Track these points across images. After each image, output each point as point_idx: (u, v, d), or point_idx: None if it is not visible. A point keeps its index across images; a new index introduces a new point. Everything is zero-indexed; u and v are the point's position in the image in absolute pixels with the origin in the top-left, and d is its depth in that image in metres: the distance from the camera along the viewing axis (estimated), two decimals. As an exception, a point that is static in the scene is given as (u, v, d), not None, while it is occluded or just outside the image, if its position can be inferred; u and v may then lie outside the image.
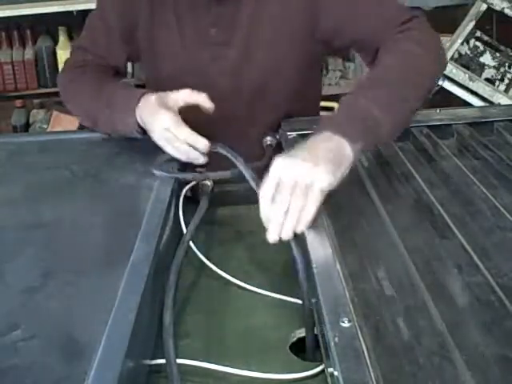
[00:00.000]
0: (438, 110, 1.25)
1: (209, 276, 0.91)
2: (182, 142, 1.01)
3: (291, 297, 0.84)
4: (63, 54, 2.99)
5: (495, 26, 2.78)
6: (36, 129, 2.91)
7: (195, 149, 1.01)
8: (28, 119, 3.03)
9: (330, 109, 2.89)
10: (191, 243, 0.92)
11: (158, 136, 1.03)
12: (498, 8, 2.63)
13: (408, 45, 1.08)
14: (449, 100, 2.65)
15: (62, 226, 0.89)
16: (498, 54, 2.70)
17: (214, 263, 0.91)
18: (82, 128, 2.71)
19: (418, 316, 0.67)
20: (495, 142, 1.14)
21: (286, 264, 0.90)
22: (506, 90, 2.66)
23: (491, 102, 2.57)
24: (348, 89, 3.12)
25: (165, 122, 1.01)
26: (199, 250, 0.93)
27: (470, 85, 2.63)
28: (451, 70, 2.66)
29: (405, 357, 0.62)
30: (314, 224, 0.82)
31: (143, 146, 1.07)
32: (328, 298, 0.69)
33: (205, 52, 1.19)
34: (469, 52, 2.71)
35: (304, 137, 1.14)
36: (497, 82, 2.69)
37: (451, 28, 2.80)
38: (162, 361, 0.71)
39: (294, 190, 0.81)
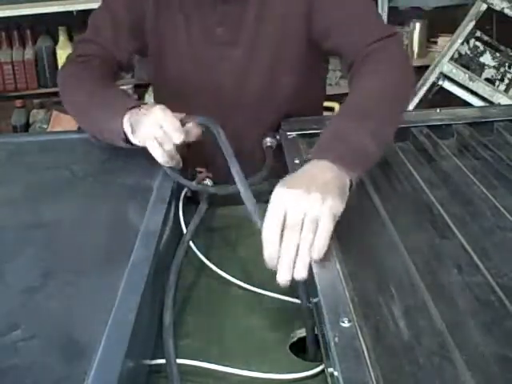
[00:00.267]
0: (438, 110, 1.25)
1: (209, 276, 0.91)
2: (171, 146, 0.97)
3: (291, 297, 0.84)
4: (63, 53, 2.98)
5: (495, 26, 2.78)
6: (36, 129, 2.91)
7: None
8: (28, 119, 3.03)
9: (331, 109, 2.89)
10: (191, 243, 0.92)
11: (147, 132, 0.98)
12: (497, 8, 2.63)
13: (383, 66, 1.08)
14: (449, 100, 2.66)
15: (62, 226, 0.89)
16: (497, 54, 2.70)
17: (214, 263, 0.91)
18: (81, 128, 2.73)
19: (418, 316, 0.67)
20: (495, 142, 1.14)
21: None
22: (506, 90, 2.66)
23: (491, 102, 2.57)
24: (348, 89, 3.14)
25: (159, 118, 0.98)
26: (199, 250, 0.93)
27: (470, 85, 2.63)
28: (451, 69, 2.67)
29: (405, 357, 0.62)
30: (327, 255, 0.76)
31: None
32: (328, 298, 0.69)
33: (211, 51, 1.19)
34: (469, 52, 2.71)
35: (304, 137, 1.15)
36: (497, 82, 2.69)
37: (451, 28, 2.80)
38: (162, 361, 0.71)
39: (302, 225, 0.76)
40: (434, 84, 2.69)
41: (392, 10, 2.99)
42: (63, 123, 2.79)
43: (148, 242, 0.81)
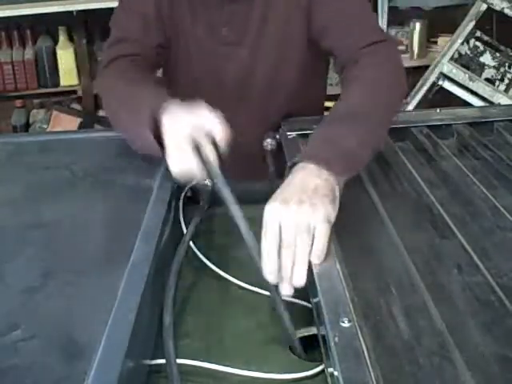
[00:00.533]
0: (438, 110, 1.25)
1: (209, 276, 0.91)
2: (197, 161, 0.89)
3: (291, 297, 0.84)
4: (63, 54, 2.99)
5: (495, 26, 2.79)
6: (36, 129, 2.91)
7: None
8: (28, 119, 3.03)
9: (331, 109, 2.89)
10: (191, 243, 0.92)
11: (177, 135, 0.90)
12: (497, 8, 2.63)
13: (375, 71, 1.07)
14: (449, 100, 2.66)
15: (62, 226, 0.89)
16: (497, 54, 2.70)
17: (214, 263, 0.91)
18: (81, 128, 2.73)
19: (418, 316, 0.67)
20: (495, 142, 1.14)
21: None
22: (506, 90, 2.66)
23: (491, 102, 2.57)
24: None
25: (197, 124, 0.90)
26: (199, 251, 0.93)
27: (470, 85, 2.64)
28: (451, 69, 2.67)
29: (405, 357, 0.62)
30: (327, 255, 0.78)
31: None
32: (328, 297, 0.69)
33: (217, 51, 1.20)
34: (469, 52, 2.71)
35: (304, 137, 1.15)
36: (497, 82, 2.70)
37: (451, 28, 2.80)
38: (162, 361, 0.71)
39: (297, 236, 0.77)
40: (434, 84, 2.70)
41: (392, 10, 2.99)
42: (63, 123, 2.80)
43: (148, 242, 0.81)
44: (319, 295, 0.70)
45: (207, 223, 1.01)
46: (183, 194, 1.02)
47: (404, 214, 0.91)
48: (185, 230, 0.94)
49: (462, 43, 2.69)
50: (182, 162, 0.89)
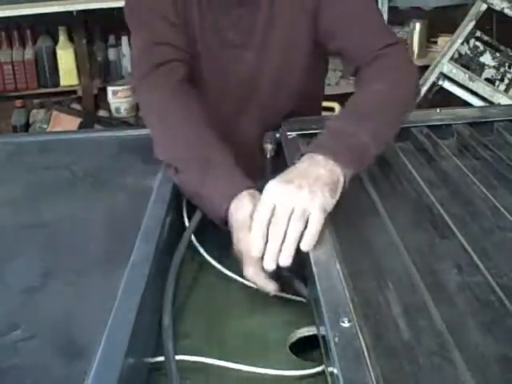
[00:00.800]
0: (438, 110, 1.25)
1: (210, 275, 0.91)
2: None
3: (292, 294, 0.84)
4: (63, 53, 2.99)
5: (495, 26, 2.79)
6: (36, 129, 2.91)
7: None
8: (28, 119, 3.03)
9: (331, 109, 2.89)
10: (193, 238, 0.92)
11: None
12: (498, 8, 2.63)
13: (389, 72, 1.09)
14: (449, 100, 2.66)
15: (62, 226, 0.89)
16: (497, 54, 2.70)
17: (212, 266, 0.91)
18: (81, 128, 2.73)
19: (417, 316, 0.67)
20: (495, 142, 1.14)
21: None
22: (506, 90, 2.66)
23: (491, 102, 2.57)
24: (348, 89, 3.14)
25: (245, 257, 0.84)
26: (198, 254, 0.92)
27: (470, 85, 2.63)
28: (451, 69, 2.67)
29: (405, 357, 0.62)
30: (321, 244, 0.79)
31: (143, 146, 1.07)
32: (328, 297, 0.69)
33: (223, 54, 1.20)
34: (469, 52, 2.71)
35: (304, 137, 1.15)
36: (497, 82, 2.70)
37: (451, 28, 2.80)
38: (163, 358, 0.71)
39: (290, 217, 0.79)
40: (434, 84, 2.69)
41: (392, 10, 3.00)
42: (63, 123, 2.80)
43: (148, 242, 0.81)
44: (319, 295, 0.70)
45: (207, 223, 1.00)
46: None
47: (404, 213, 0.91)
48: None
49: (462, 43, 2.69)
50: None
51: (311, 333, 0.78)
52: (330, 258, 0.76)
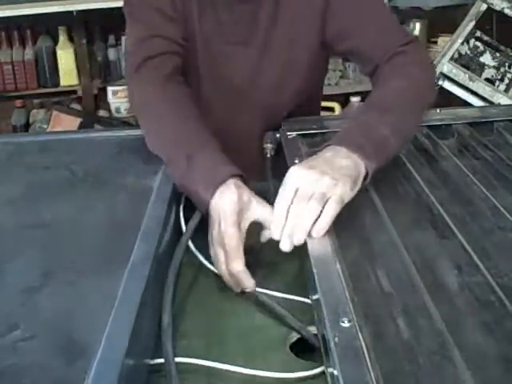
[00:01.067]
0: (438, 110, 1.25)
1: (208, 276, 0.91)
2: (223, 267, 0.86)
3: (293, 295, 0.84)
4: (63, 53, 2.99)
5: (495, 26, 2.78)
6: (36, 129, 2.91)
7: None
8: (28, 119, 3.03)
9: (330, 109, 2.89)
10: (190, 243, 0.92)
11: (210, 239, 0.88)
12: (498, 8, 2.63)
13: (409, 68, 1.10)
14: (449, 100, 2.65)
15: (62, 226, 0.89)
16: (498, 54, 2.70)
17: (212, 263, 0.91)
18: (81, 128, 2.73)
19: (417, 316, 0.67)
20: (495, 141, 1.14)
21: (286, 264, 0.90)
22: (506, 90, 2.66)
23: (491, 102, 2.57)
24: (348, 89, 3.15)
25: (223, 232, 0.86)
26: (199, 251, 0.92)
27: (470, 85, 2.63)
28: (451, 69, 2.67)
29: (405, 357, 0.62)
30: (321, 244, 0.80)
31: (143, 146, 1.07)
32: (328, 297, 0.69)
33: (224, 50, 1.19)
34: (469, 52, 2.71)
35: (304, 137, 1.15)
36: (497, 82, 2.69)
37: (451, 28, 2.80)
38: (162, 360, 0.71)
39: (310, 199, 0.81)
40: (434, 84, 2.69)
41: (392, 10, 2.99)
42: (63, 123, 2.80)
43: (148, 242, 0.81)
44: (319, 295, 0.70)
45: (207, 223, 1.00)
46: (184, 195, 1.02)
47: (404, 214, 0.91)
48: (184, 231, 0.94)
49: (462, 43, 2.69)
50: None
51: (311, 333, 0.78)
52: (330, 258, 0.76)
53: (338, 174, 0.84)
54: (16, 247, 0.84)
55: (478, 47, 2.70)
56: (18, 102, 3.01)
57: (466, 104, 2.60)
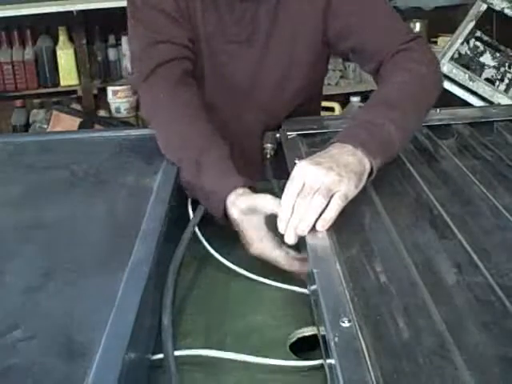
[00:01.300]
0: (437, 110, 1.25)
1: (209, 275, 0.91)
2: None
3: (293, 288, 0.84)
4: (63, 53, 2.99)
5: (495, 26, 2.78)
6: (36, 129, 2.91)
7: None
8: (28, 119, 3.03)
9: (330, 109, 2.89)
10: (197, 231, 0.93)
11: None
12: (498, 8, 2.63)
13: (413, 64, 1.10)
14: (449, 100, 2.65)
15: (62, 226, 0.89)
16: (497, 54, 2.70)
17: (214, 263, 0.91)
18: (81, 128, 2.73)
19: (417, 315, 0.67)
20: (495, 141, 1.14)
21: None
22: (506, 90, 2.66)
23: (491, 102, 2.57)
24: (348, 89, 3.15)
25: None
26: (200, 249, 0.93)
27: (470, 85, 2.63)
28: (451, 69, 2.67)
29: (405, 357, 0.62)
30: (321, 244, 0.81)
31: (143, 146, 1.07)
32: (328, 298, 0.69)
33: (226, 49, 1.20)
34: (469, 52, 2.71)
35: (304, 137, 1.15)
36: (497, 82, 2.70)
37: (451, 28, 2.80)
38: (162, 355, 0.71)
39: (314, 195, 0.83)
40: (434, 84, 2.69)
41: (392, 10, 2.99)
42: (63, 123, 2.80)
43: (148, 242, 0.81)
44: (319, 295, 0.70)
45: (207, 222, 1.01)
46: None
47: (404, 213, 0.91)
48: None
49: (462, 43, 2.69)
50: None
51: (311, 333, 0.78)
52: (330, 258, 0.76)
53: (343, 170, 0.85)
54: (16, 247, 0.84)
55: (478, 47, 2.70)
56: (18, 102, 3.02)
57: (466, 104, 2.60)
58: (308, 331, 0.78)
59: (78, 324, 0.68)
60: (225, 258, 0.91)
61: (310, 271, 0.77)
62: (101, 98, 3.10)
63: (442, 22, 3.04)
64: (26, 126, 3.01)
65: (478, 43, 2.70)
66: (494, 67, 2.70)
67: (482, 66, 2.71)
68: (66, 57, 2.99)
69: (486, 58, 2.71)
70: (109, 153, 1.11)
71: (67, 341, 0.65)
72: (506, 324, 0.66)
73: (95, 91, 3.10)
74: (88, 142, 1.19)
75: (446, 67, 2.67)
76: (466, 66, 2.69)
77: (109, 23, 2.95)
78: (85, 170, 1.06)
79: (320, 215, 0.83)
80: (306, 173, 0.85)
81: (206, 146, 1.02)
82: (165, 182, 0.98)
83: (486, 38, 2.73)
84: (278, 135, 1.20)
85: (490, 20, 2.76)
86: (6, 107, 3.04)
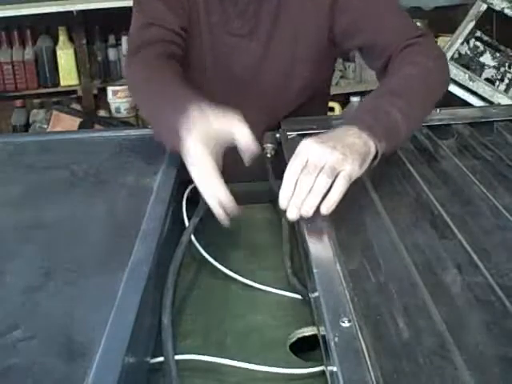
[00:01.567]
0: (437, 110, 1.25)
1: (209, 275, 0.91)
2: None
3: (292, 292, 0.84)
4: (63, 53, 2.99)
5: (495, 26, 2.79)
6: (36, 129, 2.91)
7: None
8: (28, 119, 3.03)
9: (330, 109, 2.89)
10: (193, 238, 0.92)
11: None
12: (498, 8, 2.63)
13: (420, 58, 1.11)
14: (449, 100, 2.65)
15: (62, 226, 0.89)
16: (497, 54, 2.70)
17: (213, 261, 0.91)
18: (81, 128, 2.73)
19: (417, 316, 0.67)
20: (495, 141, 1.14)
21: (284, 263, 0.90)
22: (506, 90, 2.66)
23: (491, 102, 2.57)
24: (348, 89, 3.15)
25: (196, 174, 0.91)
26: (199, 251, 0.92)
27: (470, 85, 2.63)
28: (451, 69, 2.66)
29: (405, 357, 0.62)
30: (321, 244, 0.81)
31: (143, 146, 1.07)
32: (328, 298, 0.69)
33: (228, 42, 1.20)
34: (469, 52, 2.71)
35: (304, 137, 1.15)
36: (497, 82, 2.70)
37: (451, 28, 2.80)
38: (162, 358, 0.71)
39: (320, 171, 0.82)
40: (434, 84, 2.69)
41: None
42: (63, 123, 2.80)
43: (148, 242, 0.81)
44: (319, 295, 0.70)
45: (207, 223, 1.01)
46: (187, 192, 1.02)
47: (404, 213, 0.91)
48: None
49: (462, 43, 2.69)
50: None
51: (311, 333, 0.78)
52: (330, 258, 0.76)
53: (348, 150, 0.85)
54: (16, 247, 0.84)
55: (478, 47, 2.70)
56: (18, 102, 3.02)
57: (466, 104, 2.60)
58: (308, 331, 0.78)
59: (77, 324, 0.68)
60: (222, 260, 0.91)
61: (310, 271, 0.77)
62: (101, 97, 3.10)
63: (442, 22, 3.04)
64: (26, 126, 3.01)
65: (477, 43, 2.70)
66: (493, 67, 2.71)
67: (482, 65, 2.71)
68: (66, 57, 2.99)
69: (486, 58, 2.71)
70: (109, 153, 1.11)
71: (67, 341, 0.65)
72: (506, 324, 0.66)
73: (95, 91, 3.10)
74: (88, 142, 1.19)
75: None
76: (466, 66, 2.69)
77: (109, 23, 2.95)
78: (85, 170, 1.06)
79: (324, 196, 0.82)
80: (310, 150, 0.85)
81: (182, 98, 1.00)
82: (165, 182, 0.98)
83: (486, 37, 2.73)
84: (277, 135, 1.19)
85: (490, 20, 2.76)
86: (5, 107, 3.04)
